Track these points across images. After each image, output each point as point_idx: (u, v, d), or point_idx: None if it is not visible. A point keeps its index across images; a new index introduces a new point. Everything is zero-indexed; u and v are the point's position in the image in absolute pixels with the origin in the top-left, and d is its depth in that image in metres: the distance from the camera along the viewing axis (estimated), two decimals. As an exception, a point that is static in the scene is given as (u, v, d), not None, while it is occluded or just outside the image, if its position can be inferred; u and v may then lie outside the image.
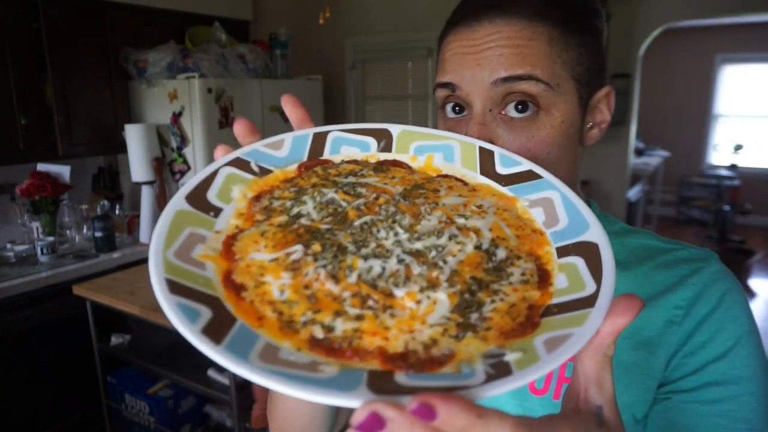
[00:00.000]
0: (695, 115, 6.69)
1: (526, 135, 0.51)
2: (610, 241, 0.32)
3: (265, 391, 1.94)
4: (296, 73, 3.51)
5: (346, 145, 0.42)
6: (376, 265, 0.30)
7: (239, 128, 0.41)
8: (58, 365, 2.41)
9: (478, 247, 0.32)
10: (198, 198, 0.34)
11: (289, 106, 0.43)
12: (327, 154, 0.42)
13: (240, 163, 0.37)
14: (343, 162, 0.41)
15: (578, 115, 0.53)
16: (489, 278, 0.30)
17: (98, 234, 2.57)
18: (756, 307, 4.24)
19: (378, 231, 0.33)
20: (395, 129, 0.44)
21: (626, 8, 3.57)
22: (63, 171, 2.59)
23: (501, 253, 0.32)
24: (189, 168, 2.78)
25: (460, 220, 0.35)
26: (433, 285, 0.29)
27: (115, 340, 2.32)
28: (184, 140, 2.75)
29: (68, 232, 2.73)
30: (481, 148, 0.43)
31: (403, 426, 0.22)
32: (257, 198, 0.37)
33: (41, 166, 2.55)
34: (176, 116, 2.74)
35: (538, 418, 0.25)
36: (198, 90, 2.65)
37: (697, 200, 6.37)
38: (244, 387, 1.93)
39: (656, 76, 6.61)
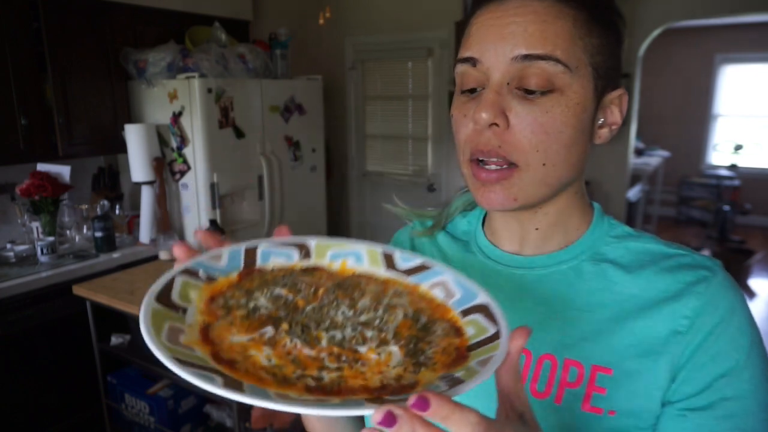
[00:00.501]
0: (695, 115, 6.70)
1: (540, 110, 0.51)
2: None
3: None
4: (296, 73, 3.51)
5: (274, 256, 0.51)
6: (337, 333, 0.40)
7: (178, 252, 0.46)
8: (58, 365, 2.41)
9: (406, 316, 0.43)
10: (165, 299, 0.40)
11: (204, 241, 0.49)
12: (259, 263, 0.49)
13: (190, 272, 0.45)
14: (274, 269, 0.49)
15: (592, 104, 0.53)
16: (421, 334, 0.41)
17: (98, 234, 2.57)
18: (756, 307, 4.24)
19: (328, 312, 0.42)
20: (312, 241, 0.52)
21: (626, 8, 3.57)
22: (63, 171, 2.59)
23: (423, 318, 0.43)
24: (189, 168, 2.78)
25: (385, 301, 0.45)
26: (384, 342, 0.39)
27: (115, 340, 2.32)
28: (184, 140, 2.75)
29: (68, 232, 2.73)
30: (383, 252, 0.52)
31: (407, 421, 0.29)
32: (212, 299, 0.43)
33: (41, 166, 2.55)
34: (176, 116, 2.74)
35: (493, 419, 0.33)
36: (198, 90, 2.65)
37: (697, 200, 6.37)
38: (244, 387, 1.93)
39: (656, 76, 6.61)
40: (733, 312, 0.53)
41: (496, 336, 0.38)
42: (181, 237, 2.87)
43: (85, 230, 2.75)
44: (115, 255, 2.58)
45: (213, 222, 2.51)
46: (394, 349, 0.38)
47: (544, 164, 0.52)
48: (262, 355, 0.36)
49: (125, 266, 2.57)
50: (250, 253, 0.49)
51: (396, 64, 4.04)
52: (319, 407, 0.30)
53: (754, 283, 4.68)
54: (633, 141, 4.02)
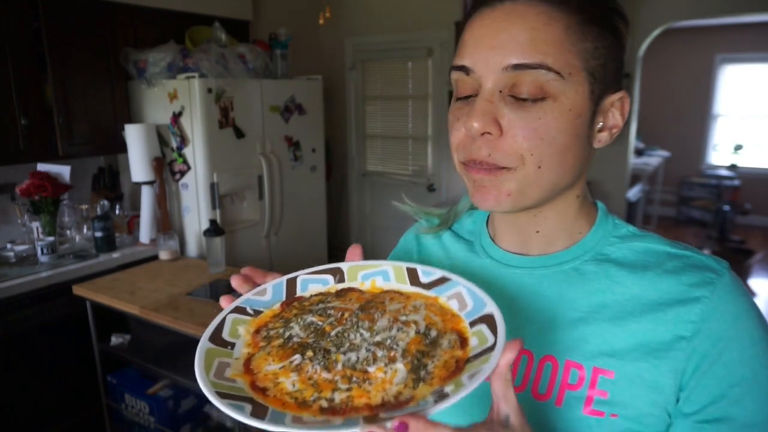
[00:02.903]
0: (695, 115, 6.70)
1: (533, 116, 0.51)
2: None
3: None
4: (296, 73, 3.51)
5: (312, 283, 0.60)
6: (353, 356, 0.47)
7: (236, 282, 0.56)
8: (59, 365, 2.41)
9: (417, 332, 0.49)
10: (217, 338, 0.51)
11: (253, 276, 0.58)
12: (299, 292, 0.58)
13: (239, 310, 0.54)
14: (312, 296, 0.58)
15: (588, 109, 0.53)
16: (428, 349, 0.47)
17: (98, 234, 2.57)
18: (756, 307, 4.24)
19: (348, 335, 0.50)
20: (345, 266, 0.61)
21: (626, 8, 3.56)
22: (63, 171, 2.59)
23: (433, 333, 0.49)
24: (189, 168, 2.77)
25: (403, 318, 0.51)
26: (392, 360, 0.46)
27: (115, 340, 2.32)
28: (184, 140, 2.75)
29: (68, 232, 2.73)
30: (407, 268, 0.59)
31: None
32: (257, 331, 0.53)
33: (41, 166, 2.55)
34: (176, 116, 2.74)
35: (467, 426, 0.41)
36: (198, 90, 2.64)
37: (697, 200, 6.37)
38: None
39: (656, 76, 6.61)
40: (742, 319, 0.52)
41: (492, 347, 0.44)
42: (181, 237, 2.87)
43: (85, 230, 2.75)
44: (115, 255, 2.58)
45: (213, 222, 2.51)
46: (400, 366, 0.45)
47: (539, 167, 0.52)
48: (289, 381, 0.46)
49: (125, 266, 2.57)
50: (291, 284, 0.59)
51: (396, 64, 4.04)
52: (324, 428, 0.39)
53: (754, 283, 4.68)
54: (633, 141, 4.03)
